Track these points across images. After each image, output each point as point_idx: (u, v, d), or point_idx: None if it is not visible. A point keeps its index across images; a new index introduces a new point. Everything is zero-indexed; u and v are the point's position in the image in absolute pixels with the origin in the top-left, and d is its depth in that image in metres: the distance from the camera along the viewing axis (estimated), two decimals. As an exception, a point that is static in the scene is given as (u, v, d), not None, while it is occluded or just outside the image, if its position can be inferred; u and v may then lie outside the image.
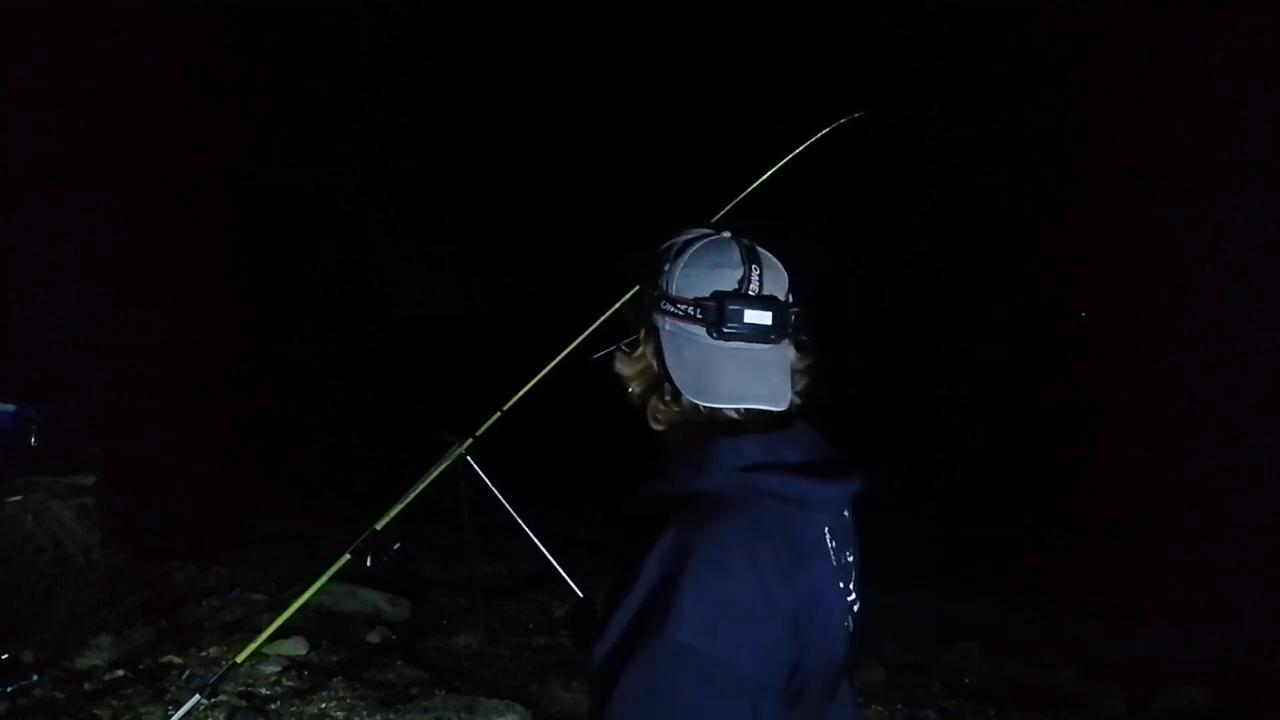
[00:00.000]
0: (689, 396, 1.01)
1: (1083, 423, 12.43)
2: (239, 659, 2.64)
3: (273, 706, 3.54)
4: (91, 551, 4.43)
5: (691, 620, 0.86)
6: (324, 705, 3.58)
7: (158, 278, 10.76)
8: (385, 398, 13.13)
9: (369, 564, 2.75)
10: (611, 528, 1.12)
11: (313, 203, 15.30)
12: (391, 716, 3.52)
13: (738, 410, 1.02)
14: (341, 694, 3.67)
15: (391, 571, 4.44)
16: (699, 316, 1.01)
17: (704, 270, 1.02)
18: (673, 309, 1.03)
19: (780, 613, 0.91)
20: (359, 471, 8.93)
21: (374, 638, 4.51)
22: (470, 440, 2.98)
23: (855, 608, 1.05)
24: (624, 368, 1.09)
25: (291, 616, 2.64)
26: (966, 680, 4.94)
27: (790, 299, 1.05)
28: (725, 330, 1.00)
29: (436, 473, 2.89)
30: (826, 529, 1.01)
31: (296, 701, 3.59)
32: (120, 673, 3.72)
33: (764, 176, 2.83)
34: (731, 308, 1.00)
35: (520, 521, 3.05)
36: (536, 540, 2.96)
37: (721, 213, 2.74)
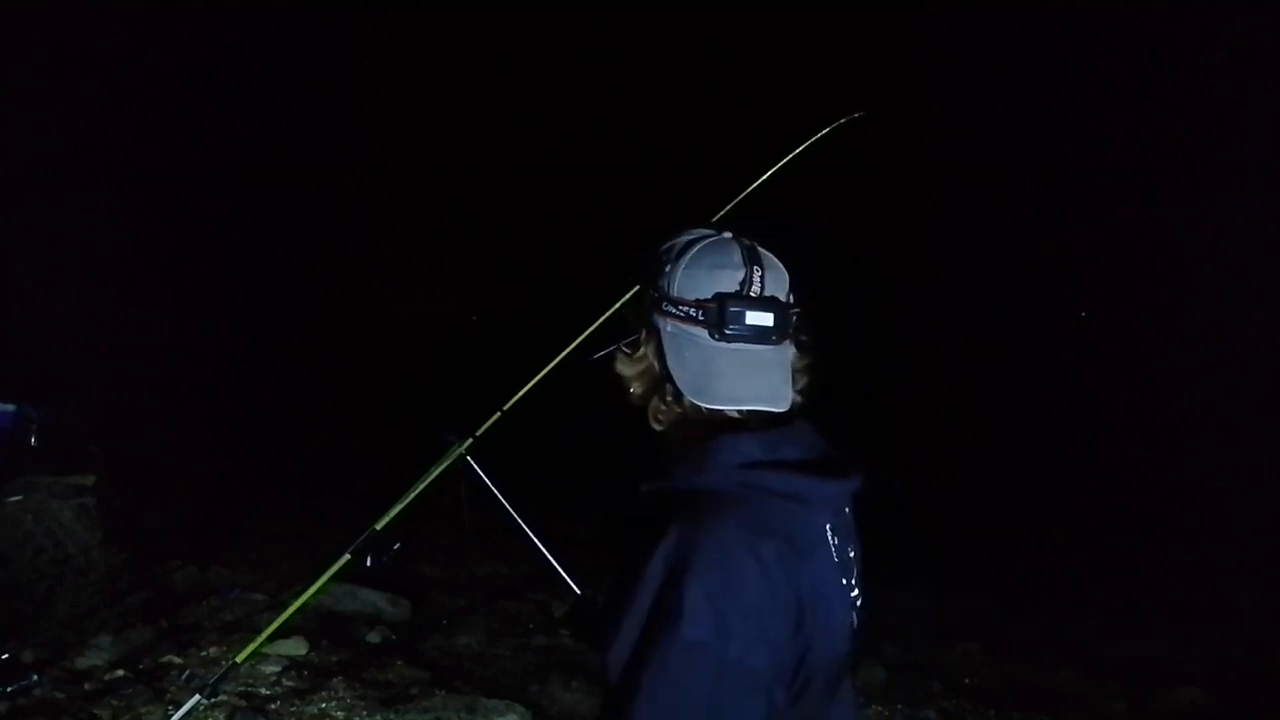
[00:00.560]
0: (690, 397, 1.02)
1: (1083, 423, 12.44)
2: (239, 659, 2.65)
3: (273, 706, 3.54)
4: (91, 551, 4.43)
5: (701, 618, 0.86)
6: (324, 705, 3.58)
7: (158, 278, 10.76)
8: (385, 398, 13.14)
9: (369, 564, 2.75)
10: (612, 528, 1.12)
11: (313, 203, 15.31)
12: (391, 716, 3.52)
13: (738, 411, 1.02)
14: (341, 694, 3.67)
15: (391, 571, 4.43)
16: (700, 318, 1.01)
17: (705, 271, 1.02)
18: (674, 310, 1.03)
19: (785, 607, 0.91)
20: (359, 471, 8.93)
21: (374, 638, 4.51)
22: (470, 440, 2.98)
23: (858, 604, 1.06)
24: (625, 368, 1.09)
25: (291, 616, 2.64)
26: (966, 680, 4.93)
27: (791, 299, 1.06)
28: (727, 332, 1.00)
29: (436, 473, 2.89)
30: (827, 526, 1.01)
31: (296, 701, 3.59)
32: (120, 673, 3.72)
33: (764, 176, 2.83)
34: (733, 309, 1.00)
35: (520, 521, 3.05)
36: (536, 540, 2.95)
37: (721, 213, 2.74)
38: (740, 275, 1.02)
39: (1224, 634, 5.65)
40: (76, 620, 4.19)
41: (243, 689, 3.64)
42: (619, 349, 1.10)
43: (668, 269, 1.05)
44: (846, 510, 1.08)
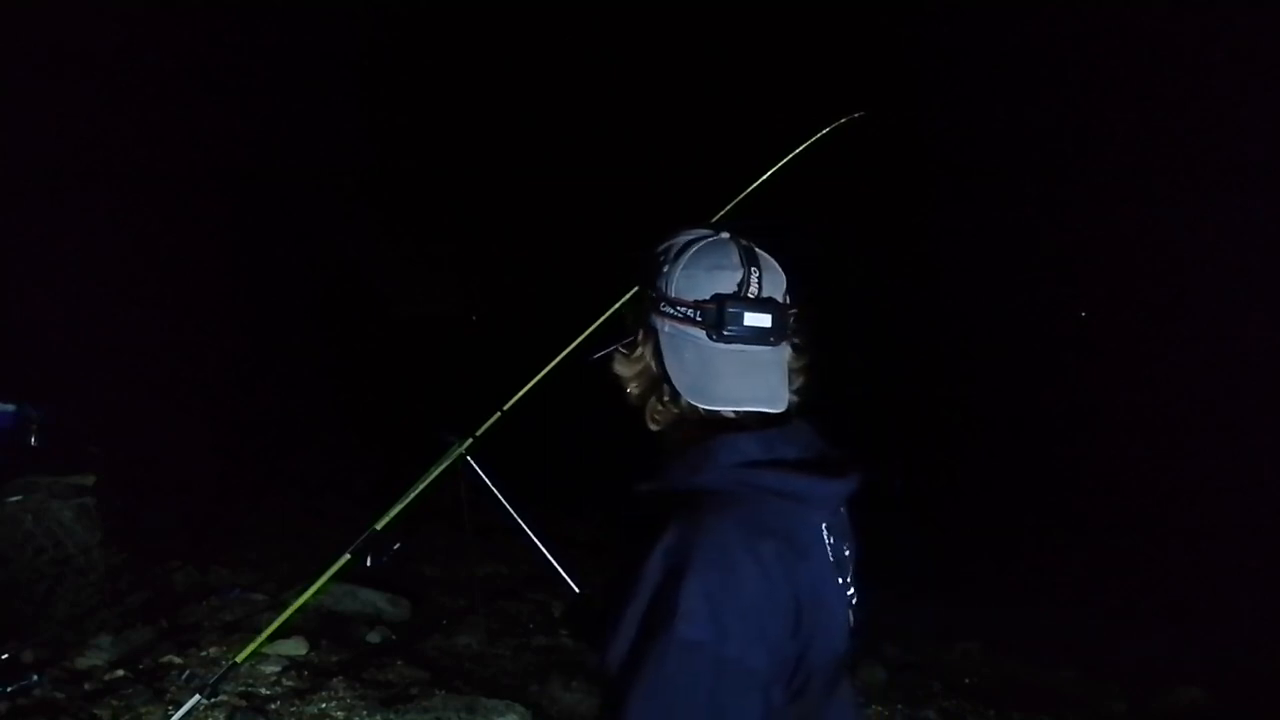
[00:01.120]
0: (688, 398, 1.02)
1: (1083, 423, 12.43)
2: (239, 659, 2.65)
3: (273, 706, 3.54)
4: (91, 551, 4.43)
5: (699, 616, 0.86)
6: (324, 705, 3.58)
7: (158, 278, 10.76)
8: (385, 398, 13.13)
9: (369, 564, 2.75)
10: (612, 528, 1.12)
11: (313, 203, 15.31)
12: (391, 716, 3.52)
13: (735, 411, 1.02)
14: (341, 694, 3.67)
15: (391, 571, 4.43)
16: (698, 319, 1.01)
17: (703, 272, 1.03)
18: (672, 311, 1.03)
19: (783, 607, 0.92)
20: (359, 471, 8.93)
21: (374, 638, 4.51)
22: (470, 440, 2.98)
23: (854, 602, 1.06)
24: (623, 369, 1.09)
25: (291, 616, 2.64)
26: (966, 680, 4.93)
27: (788, 300, 1.06)
28: (725, 333, 1.00)
29: (436, 473, 2.89)
30: (824, 525, 1.02)
31: (296, 701, 3.59)
32: (120, 673, 3.72)
33: (764, 176, 2.83)
34: (731, 310, 1.00)
35: (520, 521, 3.05)
36: (536, 540, 2.96)
37: (721, 213, 2.74)
38: (738, 276, 1.02)
39: (1224, 634, 5.65)
40: (76, 620, 4.19)
41: (243, 689, 3.64)
42: (617, 350, 1.10)
43: (665, 269, 1.05)
44: (842, 509, 1.08)
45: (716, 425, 1.03)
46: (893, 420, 11.78)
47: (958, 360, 15.27)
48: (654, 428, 1.08)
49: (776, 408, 1.02)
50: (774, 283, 1.05)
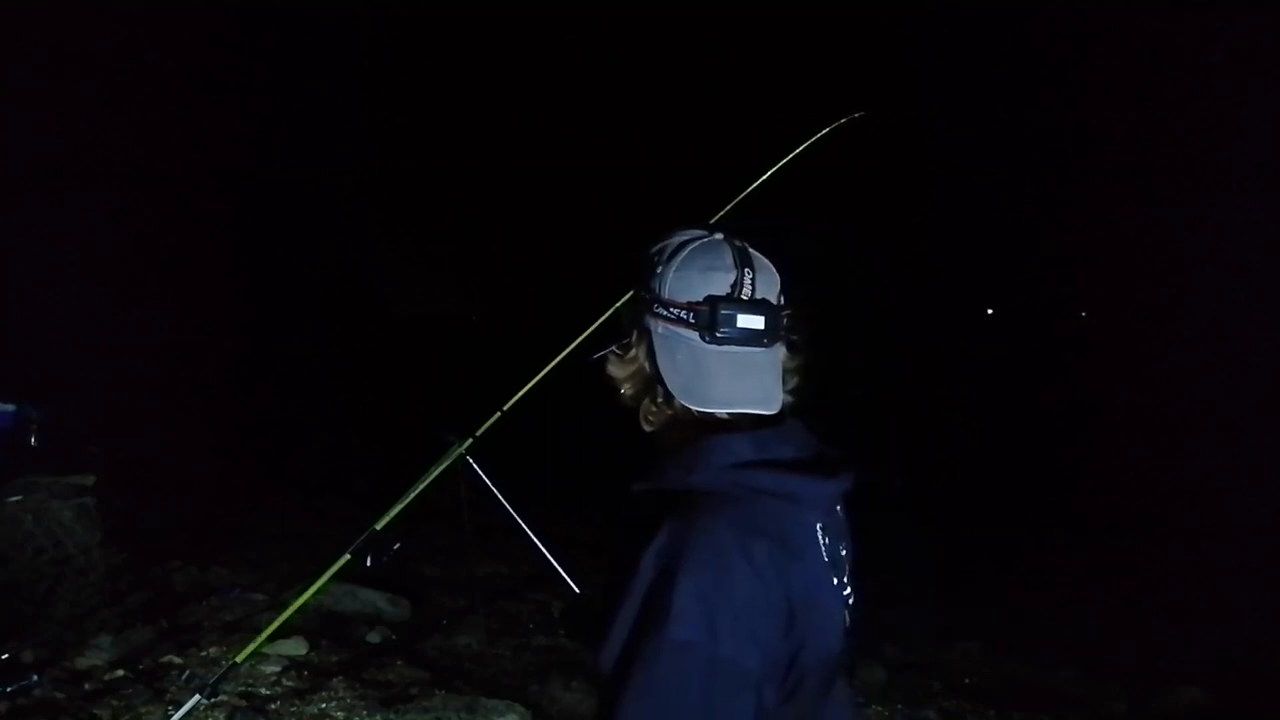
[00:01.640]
0: (681, 400, 1.02)
1: (1083, 423, 12.43)
2: (239, 659, 2.65)
3: (273, 706, 3.54)
4: (91, 551, 4.43)
5: (690, 617, 0.86)
6: (324, 705, 3.58)
7: (158, 278, 10.76)
8: (385, 398, 13.12)
9: (369, 564, 2.75)
10: (611, 528, 1.12)
11: (313, 203, 15.31)
12: (391, 716, 3.52)
13: (729, 412, 1.02)
14: (341, 694, 3.67)
15: (391, 571, 4.43)
16: (692, 320, 1.01)
17: (697, 273, 1.02)
18: (665, 312, 1.03)
19: (776, 607, 0.92)
20: (359, 471, 8.92)
21: (374, 638, 4.51)
22: (470, 440, 2.98)
23: (850, 602, 1.06)
24: (616, 370, 1.09)
25: (291, 616, 2.64)
26: (966, 680, 4.93)
27: (782, 301, 1.06)
28: (718, 335, 1.00)
29: (436, 473, 2.89)
30: (819, 525, 1.01)
31: (296, 701, 3.59)
32: (120, 673, 3.72)
33: (764, 176, 2.83)
34: (724, 312, 1.00)
35: (520, 521, 3.05)
36: (536, 540, 2.95)
37: (721, 213, 2.74)
38: (731, 278, 1.02)
39: (1224, 634, 5.65)
40: (76, 620, 4.19)
41: (243, 689, 3.64)
42: (611, 351, 1.10)
43: (659, 270, 1.05)
44: (838, 509, 1.08)
45: (710, 426, 1.02)
46: (893, 420, 11.77)
47: (958, 360, 15.27)
48: (647, 428, 1.08)
49: (770, 409, 1.02)
50: (768, 284, 1.04)
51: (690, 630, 0.86)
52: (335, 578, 2.70)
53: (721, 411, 1.02)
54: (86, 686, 3.59)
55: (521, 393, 2.91)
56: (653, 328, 1.05)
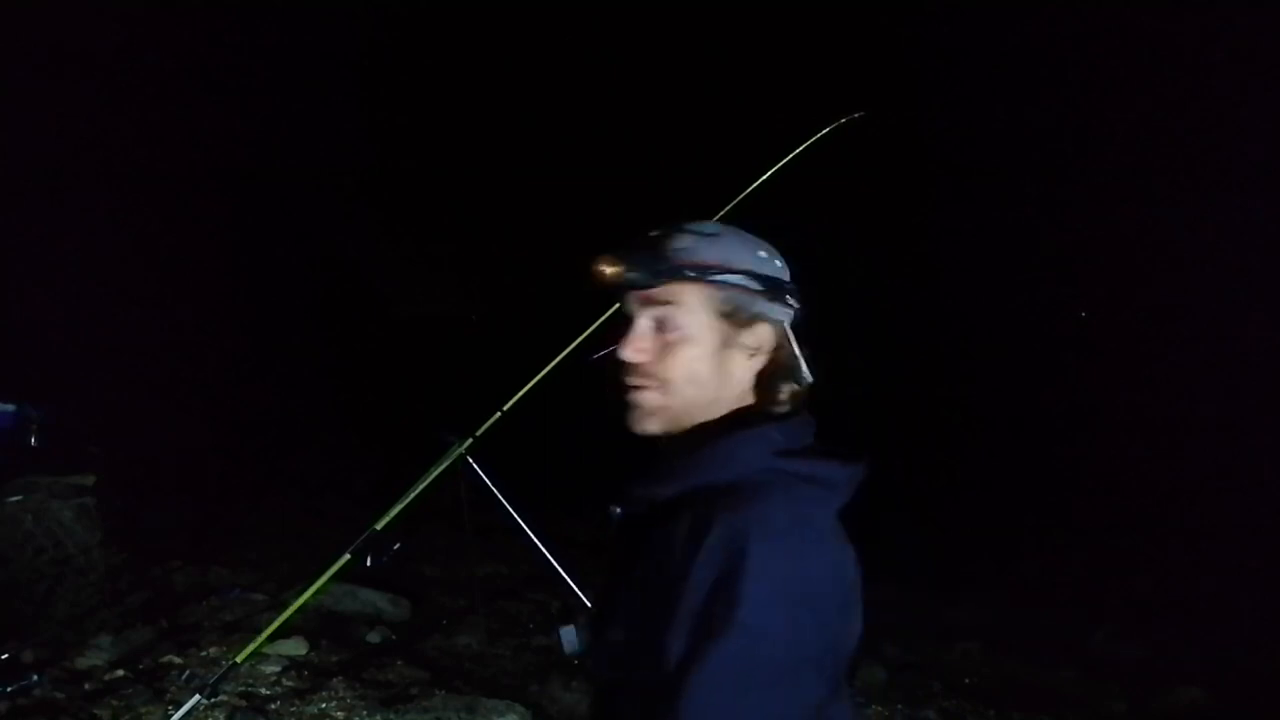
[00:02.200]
0: (805, 380, 1.08)
1: (1083, 423, 12.41)
2: (239, 659, 2.65)
3: (273, 706, 3.54)
4: (91, 551, 4.43)
5: (760, 603, 0.86)
6: (324, 705, 3.58)
7: (158, 278, 10.76)
8: (385, 398, 13.11)
9: (369, 564, 2.75)
10: (611, 530, 1.11)
11: (313, 203, 15.30)
12: (391, 716, 3.52)
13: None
14: (341, 694, 3.67)
15: (391, 571, 4.43)
16: (795, 305, 1.09)
17: (779, 261, 1.10)
18: (790, 300, 1.09)
19: (835, 593, 0.94)
20: (359, 471, 8.92)
21: (374, 638, 4.51)
22: (470, 440, 2.98)
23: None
24: (739, 365, 1.07)
25: (291, 616, 2.64)
26: (966, 680, 4.93)
27: None
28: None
29: (436, 473, 2.90)
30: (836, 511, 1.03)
31: (296, 701, 3.59)
32: (120, 673, 3.72)
33: (764, 176, 2.83)
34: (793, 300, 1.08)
35: (520, 521, 3.06)
36: (536, 540, 2.96)
37: (722, 212, 2.74)
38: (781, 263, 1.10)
39: (1224, 634, 5.64)
40: (76, 620, 4.19)
41: (243, 689, 3.65)
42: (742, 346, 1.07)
43: (764, 257, 1.08)
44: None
45: (740, 419, 1.04)
46: (893, 420, 11.76)
47: (958, 360, 15.25)
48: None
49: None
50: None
51: (762, 616, 0.86)
52: (335, 578, 2.70)
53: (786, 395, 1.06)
54: (86, 686, 3.59)
55: (521, 393, 2.91)
56: (782, 317, 1.07)
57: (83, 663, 3.79)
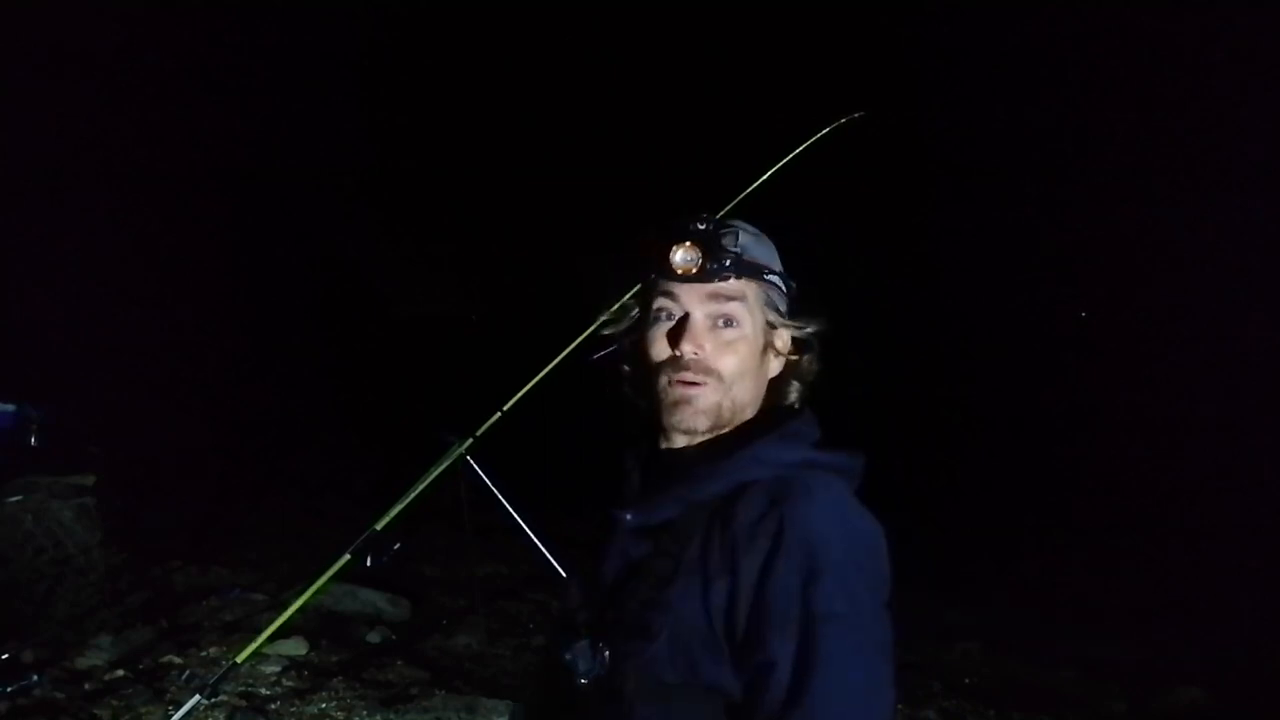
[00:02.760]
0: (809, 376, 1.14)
1: (1083, 423, 12.41)
2: (239, 659, 2.64)
3: (273, 706, 3.54)
4: (91, 551, 4.43)
5: (856, 590, 0.89)
6: (324, 705, 3.58)
7: (158, 278, 10.76)
8: (385, 398, 13.11)
9: (369, 564, 2.74)
10: (618, 535, 1.09)
11: (313, 203, 15.31)
12: (391, 716, 3.52)
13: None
14: (341, 694, 3.67)
15: (391, 571, 4.43)
16: None
17: None
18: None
19: (887, 566, 0.96)
20: (359, 471, 8.92)
21: (374, 638, 4.51)
22: (470, 440, 2.97)
23: None
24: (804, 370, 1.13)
25: (291, 616, 2.63)
26: (966, 680, 4.93)
27: None
28: None
29: (436, 473, 2.89)
30: None
31: (296, 701, 3.59)
32: (120, 673, 3.72)
33: (764, 176, 2.82)
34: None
35: (520, 521, 3.06)
36: (536, 540, 2.96)
37: (721, 212, 2.73)
38: None
39: (1224, 634, 5.64)
40: (76, 620, 4.19)
41: (243, 689, 3.65)
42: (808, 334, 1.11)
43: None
44: None
45: (771, 419, 1.06)
46: (893, 420, 11.76)
47: (958, 360, 15.25)
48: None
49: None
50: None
51: (863, 602, 0.89)
52: (335, 578, 2.69)
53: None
54: (86, 686, 3.59)
55: (521, 393, 2.90)
56: (801, 322, 1.11)
57: (83, 663, 3.79)
